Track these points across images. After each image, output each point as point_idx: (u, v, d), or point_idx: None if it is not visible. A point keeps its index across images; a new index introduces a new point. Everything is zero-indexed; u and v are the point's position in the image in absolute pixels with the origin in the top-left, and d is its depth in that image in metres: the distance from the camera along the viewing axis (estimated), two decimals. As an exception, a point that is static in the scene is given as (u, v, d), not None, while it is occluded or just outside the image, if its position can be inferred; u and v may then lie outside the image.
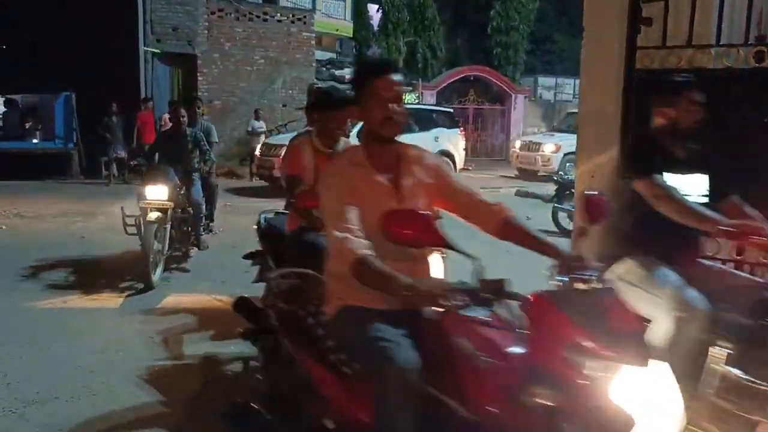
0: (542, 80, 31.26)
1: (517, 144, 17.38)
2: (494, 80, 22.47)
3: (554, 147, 15.71)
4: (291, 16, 16.94)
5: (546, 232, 8.83)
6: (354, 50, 24.52)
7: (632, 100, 3.62)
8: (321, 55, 19.21)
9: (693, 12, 3.39)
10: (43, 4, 15.11)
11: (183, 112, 6.62)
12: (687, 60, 3.41)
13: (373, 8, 24.94)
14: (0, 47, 17.28)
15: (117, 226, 6.39)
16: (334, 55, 21.54)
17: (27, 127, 14.12)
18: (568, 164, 15.35)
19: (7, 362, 4.05)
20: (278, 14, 16.72)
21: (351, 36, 22.65)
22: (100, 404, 3.53)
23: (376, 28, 25.14)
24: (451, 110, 16.84)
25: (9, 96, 14.37)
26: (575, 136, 13.65)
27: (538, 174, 15.74)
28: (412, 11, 24.49)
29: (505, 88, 22.50)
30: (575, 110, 18.65)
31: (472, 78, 22.60)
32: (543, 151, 15.94)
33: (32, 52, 15.67)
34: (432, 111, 15.25)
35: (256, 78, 16.27)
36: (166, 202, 5.92)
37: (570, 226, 8.55)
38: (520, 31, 26.34)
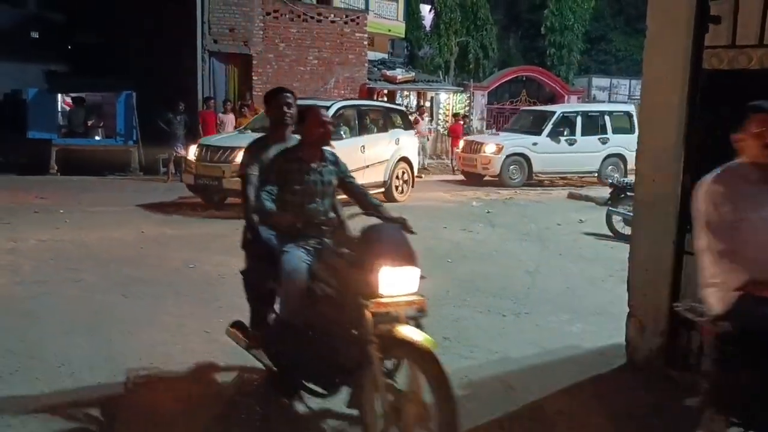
0: (596, 81, 30.65)
1: (461, 144, 15.87)
2: (547, 80, 22.16)
3: (495, 148, 14.33)
4: (344, 16, 17.06)
5: (600, 235, 8.75)
6: (406, 50, 24.53)
7: (698, 102, 3.51)
8: (373, 55, 19.28)
9: (766, 9, 3.26)
10: (106, 8, 15.66)
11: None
12: (758, 60, 3.28)
13: (425, 8, 24.92)
14: (66, 48, 18.01)
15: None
16: (385, 56, 21.58)
17: (90, 124, 14.61)
18: (610, 167, 14.91)
19: (70, 352, 4.19)
20: (332, 15, 16.86)
21: (403, 36, 22.67)
22: (159, 396, 3.63)
23: (428, 28, 25.11)
24: (404, 109, 15.33)
25: (75, 95, 14.89)
26: (524, 137, 13.89)
27: (484, 179, 14.63)
28: (465, 11, 24.37)
29: (558, 88, 22.16)
30: (529, 108, 18.13)
31: (524, 78, 22.35)
32: (484, 152, 14.46)
33: (96, 53, 16.26)
34: (389, 110, 12.70)
35: (309, 78, 16.44)
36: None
37: (625, 231, 8.40)
38: (574, 30, 25.91)
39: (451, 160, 17.82)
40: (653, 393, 3.66)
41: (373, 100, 16.06)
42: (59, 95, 14.70)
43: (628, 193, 8.50)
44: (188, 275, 6.20)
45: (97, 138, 14.42)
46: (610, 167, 15.02)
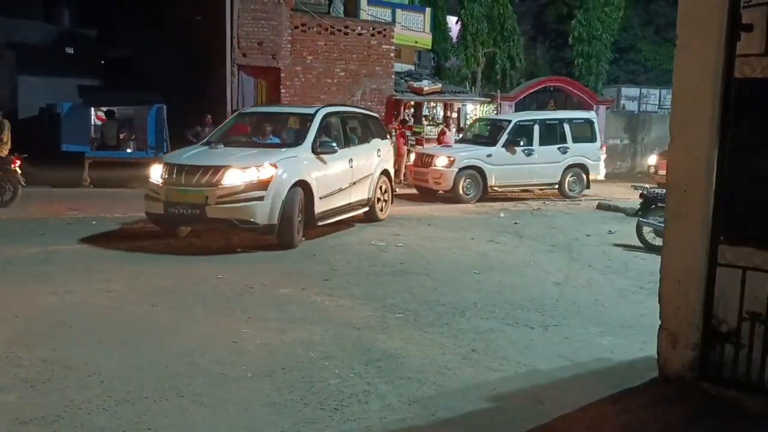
0: (625, 90, 30.33)
1: (412, 157, 14.69)
2: (575, 91, 21.97)
3: (447, 161, 12.99)
4: (371, 29, 17.16)
5: (630, 247, 8.63)
6: (432, 62, 24.57)
7: (730, 111, 3.45)
8: (399, 67, 19.33)
9: (799, 17, 3.20)
10: (137, 24, 16.01)
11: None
12: (792, 68, 3.22)
13: (452, 20, 24.94)
14: (99, 63, 18.45)
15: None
16: (412, 67, 21.62)
17: (122, 137, 14.89)
18: (572, 178, 14.06)
19: (101, 361, 4.25)
20: (359, 27, 16.97)
21: (429, 48, 22.69)
22: (185, 405, 3.66)
23: (454, 39, 25.12)
24: (378, 116, 12.57)
25: (108, 108, 15.21)
26: (478, 148, 12.99)
27: (438, 194, 13.35)
28: (491, 22, 24.31)
29: (586, 98, 21.96)
30: (484, 117, 17.46)
31: (552, 88, 22.19)
32: (435, 165, 13.05)
33: (127, 68, 16.63)
34: (366, 116, 11.03)
35: (336, 90, 16.55)
36: None
37: (656, 242, 8.27)
38: (602, 40, 25.66)
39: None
40: (686, 407, 3.58)
41: (350, 105, 13.59)
42: (92, 109, 15.02)
43: (659, 204, 8.38)
44: (216, 285, 6.26)
45: (128, 150, 14.67)
46: (571, 178, 14.32)
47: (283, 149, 8.45)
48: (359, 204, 9.65)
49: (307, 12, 16.29)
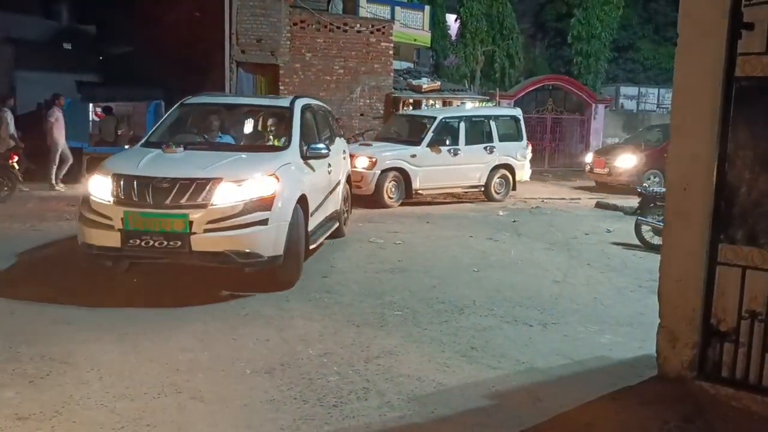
0: (624, 89, 30.42)
1: None
2: (574, 89, 21.99)
3: (368, 162, 11.61)
4: (370, 26, 17.14)
5: (628, 245, 8.64)
6: (431, 60, 24.56)
7: (731, 109, 3.45)
8: (398, 64, 19.33)
9: (801, 16, 3.20)
10: (136, 20, 15.97)
11: None
12: (794, 66, 3.22)
13: (451, 18, 24.94)
14: (97, 59, 18.41)
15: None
16: (411, 65, 21.62)
17: (120, 133, 14.86)
18: (498, 180, 12.97)
19: (100, 358, 4.25)
20: (358, 25, 16.95)
21: (429, 46, 22.69)
22: (184, 402, 3.66)
23: (453, 37, 25.12)
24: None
25: (106, 104, 15.19)
26: (401, 147, 11.73)
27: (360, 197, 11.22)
28: (491, 20, 24.34)
29: (585, 97, 21.98)
30: (405, 113, 15.77)
31: (550, 87, 22.20)
32: (355, 166, 10.95)
33: (126, 64, 16.59)
34: (327, 112, 9.30)
35: (335, 87, 16.55)
36: None
37: (654, 240, 8.29)
38: (601, 39, 25.69)
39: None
40: (684, 406, 3.59)
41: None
42: (90, 105, 14.99)
43: (658, 203, 8.40)
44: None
45: (126, 147, 14.63)
46: (498, 179, 13.15)
47: (269, 153, 6.50)
48: (331, 218, 7.89)
49: (306, 9, 16.27)
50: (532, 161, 14.40)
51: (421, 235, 9.13)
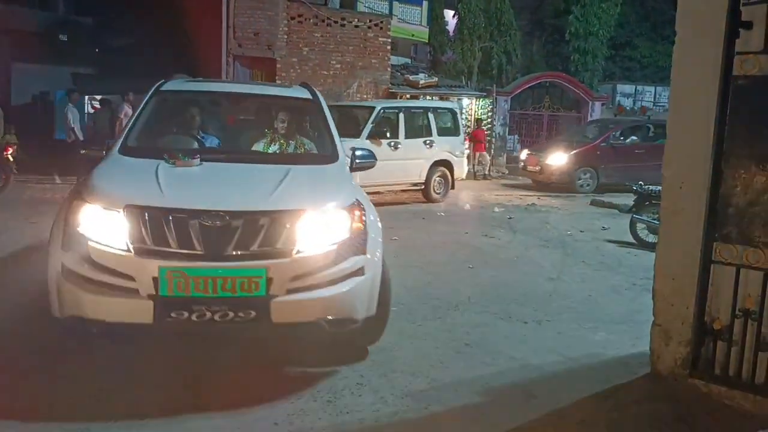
0: (621, 87, 30.44)
1: None
2: (570, 86, 21.98)
3: None
4: (368, 21, 17.13)
5: (623, 243, 8.65)
6: (429, 55, 24.54)
7: (728, 108, 3.45)
8: (396, 59, 19.32)
9: (798, 15, 3.20)
10: (132, 12, 15.92)
11: None
12: (791, 66, 3.22)
13: (449, 13, 24.92)
14: (93, 51, 18.33)
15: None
16: (408, 60, 21.61)
17: (116, 127, 14.81)
18: (438, 178, 12.15)
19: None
20: (356, 19, 16.93)
21: (426, 41, 22.69)
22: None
23: (451, 33, 25.10)
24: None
25: (102, 97, 15.14)
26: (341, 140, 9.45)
27: None
28: (488, 16, 24.32)
29: (582, 94, 21.98)
30: (342, 104, 14.03)
31: (547, 84, 22.20)
32: None
33: (122, 56, 16.53)
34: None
35: (332, 82, 16.53)
36: None
37: (649, 238, 8.30)
38: (599, 36, 25.72)
39: (473, 165, 17.77)
40: (677, 403, 3.60)
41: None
42: (86, 97, 14.94)
43: (653, 201, 8.41)
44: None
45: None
46: (438, 177, 12.47)
47: (317, 167, 4.68)
48: None
49: (304, 3, 16.24)
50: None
51: (416, 230, 9.13)
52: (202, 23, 15.47)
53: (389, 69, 17.60)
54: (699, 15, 3.56)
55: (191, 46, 15.05)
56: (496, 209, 11.67)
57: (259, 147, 5.08)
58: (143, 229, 3.53)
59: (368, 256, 3.91)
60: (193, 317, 3.47)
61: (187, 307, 3.47)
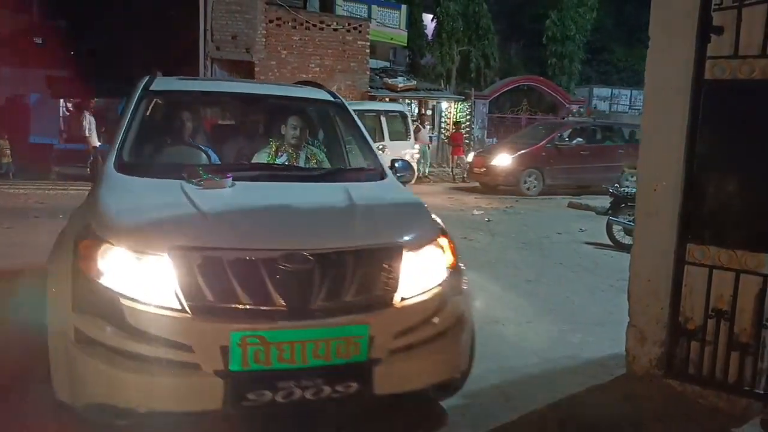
0: (597, 90, 30.81)
1: None
2: (548, 90, 22.21)
3: None
4: (347, 24, 17.14)
5: (600, 245, 8.73)
6: (407, 59, 24.61)
7: (700, 112, 3.51)
8: (375, 63, 19.35)
9: (768, 21, 3.26)
10: (109, 15, 15.76)
11: None
12: (761, 70, 3.28)
13: (427, 17, 25.02)
14: (69, 54, 18.11)
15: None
16: (387, 64, 21.65)
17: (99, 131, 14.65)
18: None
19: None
20: (334, 23, 16.93)
21: (405, 45, 22.76)
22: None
23: (430, 37, 25.20)
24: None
25: (77, 100, 14.98)
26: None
27: None
28: (467, 20, 24.48)
29: (559, 98, 22.21)
30: None
31: (525, 87, 22.39)
32: None
33: (98, 59, 16.36)
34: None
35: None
36: None
37: (625, 240, 8.39)
38: (575, 40, 26.01)
39: (452, 168, 17.85)
40: (653, 403, 3.64)
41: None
42: (61, 100, 14.76)
43: (629, 203, 8.50)
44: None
45: (98, 144, 14.44)
46: None
47: (371, 184, 3.85)
48: None
49: (283, 6, 16.21)
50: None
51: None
52: (180, 26, 15.38)
53: (368, 72, 17.62)
54: (671, 20, 3.62)
55: (169, 49, 14.94)
56: (475, 212, 11.71)
57: (261, 158, 4.18)
58: (202, 280, 2.55)
59: (465, 296, 3.19)
60: (278, 397, 2.55)
61: (271, 384, 2.55)
